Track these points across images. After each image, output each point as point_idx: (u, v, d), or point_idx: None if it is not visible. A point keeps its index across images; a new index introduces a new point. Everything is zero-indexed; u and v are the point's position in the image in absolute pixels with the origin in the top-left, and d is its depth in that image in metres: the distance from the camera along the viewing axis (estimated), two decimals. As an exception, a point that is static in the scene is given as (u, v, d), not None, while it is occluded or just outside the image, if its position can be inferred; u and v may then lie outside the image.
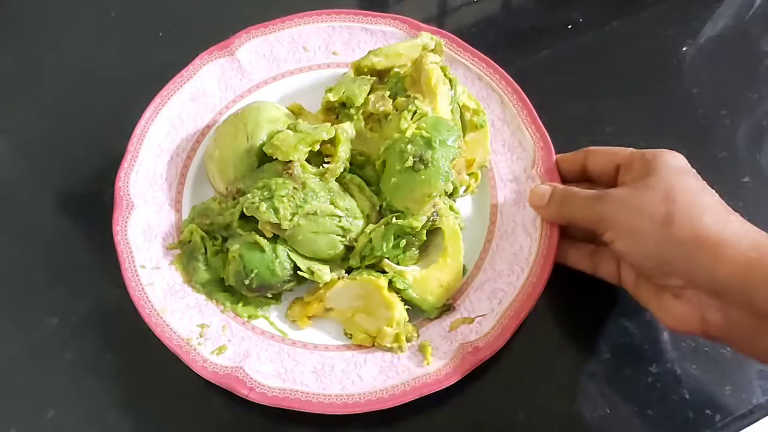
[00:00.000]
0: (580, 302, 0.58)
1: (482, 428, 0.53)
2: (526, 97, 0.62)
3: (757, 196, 0.64)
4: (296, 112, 0.62)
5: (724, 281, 0.44)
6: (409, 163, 0.53)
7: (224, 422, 0.53)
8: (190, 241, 0.57)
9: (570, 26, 0.75)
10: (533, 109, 0.61)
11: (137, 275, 0.55)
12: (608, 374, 0.55)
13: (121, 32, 0.74)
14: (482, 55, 0.64)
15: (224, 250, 0.57)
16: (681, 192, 0.47)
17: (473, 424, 0.53)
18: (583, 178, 0.57)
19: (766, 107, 0.69)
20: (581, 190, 0.53)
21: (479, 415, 0.54)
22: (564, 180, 0.58)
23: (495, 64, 0.64)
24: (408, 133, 0.54)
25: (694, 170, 0.50)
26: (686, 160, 0.51)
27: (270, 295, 0.56)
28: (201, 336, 0.54)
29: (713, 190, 0.49)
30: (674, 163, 0.50)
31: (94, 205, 0.62)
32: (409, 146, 0.54)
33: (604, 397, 0.55)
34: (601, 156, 0.55)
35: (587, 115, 0.68)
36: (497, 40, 0.74)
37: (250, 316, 0.56)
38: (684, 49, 0.73)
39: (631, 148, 0.54)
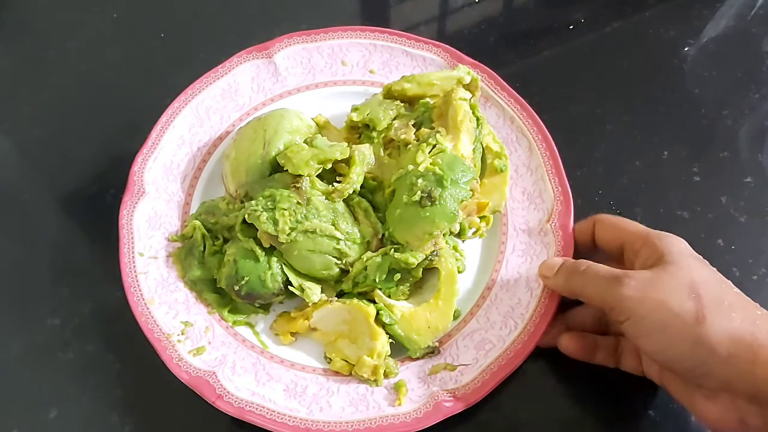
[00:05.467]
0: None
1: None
2: (555, 147, 0.60)
3: (759, 196, 0.64)
4: (320, 125, 0.62)
5: (763, 385, 0.42)
6: (416, 197, 0.52)
7: (226, 423, 0.53)
8: (192, 236, 0.58)
9: (571, 27, 0.75)
10: (560, 162, 0.60)
11: (133, 261, 0.56)
12: (610, 374, 0.53)
13: (124, 33, 0.75)
14: (518, 96, 0.63)
15: (222, 251, 0.57)
16: (704, 285, 0.45)
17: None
18: (594, 247, 0.56)
19: (767, 107, 0.69)
20: (595, 264, 0.50)
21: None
22: (577, 247, 0.57)
23: (530, 108, 0.62)
24: (421, 167, 0.53)
25: (700, 256, 0.49)
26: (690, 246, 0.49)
27: (258, 305, 0.56)
28: (182, 334, 0.54)
29: (728, 279, 0.47)
30: (684, 249, 0.48)
31: (96, 206, 0.63)
32: (419, 180, 0.52)
33: (606, 398, 0.54)
34: (607, 230, 0.54)
35: (588, 115, 0.69)
36: (498, 41, 0.74)
37: (235, 322, 0.56)
38: (685, 49, 0.73)
39: (635, 225, 0.52)
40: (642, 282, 0.46)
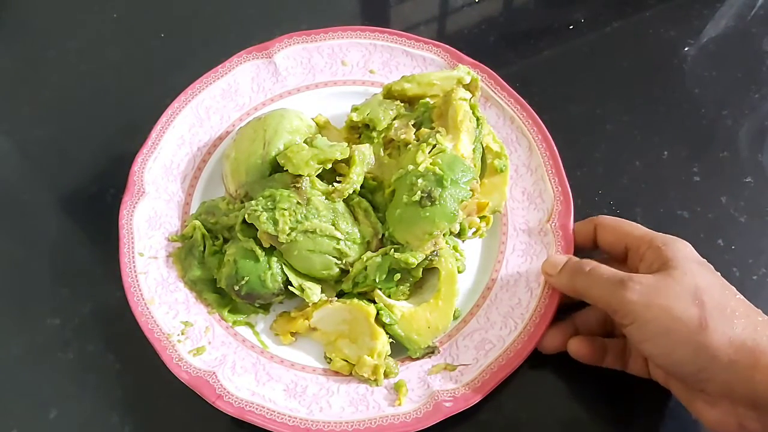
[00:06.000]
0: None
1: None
2: (555, 148, 0.60)
3: (759, 196, 0.64)
4: (320, 125, 0.62)
5: (763, 392, 0.42)
6: (416, 197, 0.52)
7: (226, 423, 0.53)
8: (192, 236, 0.58)
9: (571, 26, 0.75)
10: (560, 162, 0.60)
11: (133, 261, 0.56)
12: (611, 374, 0.53)
13: (124, 33, 0.74)
14: (518, 96, 0.63)
15: (222, 251, 0.57)
16: (707, 292, 0.45)
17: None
18: (594, 248, 0.56)
19: (767, 107, 0.69)
20: (600, 265, 0.50)
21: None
22: (576, 248, 0.57)
23: (530, 108, 0.62)
24: (421, 167, 0.53)
25: (705, 260, 0.49)
26: (695, 250, 0.49)
27: (258, 305, 0.56)
28: (182, 334, 0.54)
29: (731, 285, 0.47)
30: (689, 254, 0.48)
31: (96, 206, 0.63)
32: (419, 180, 0.52)
33: (606, 398, 0.54)
34: (609, 233, 0.54)
35: (588, 115, 0.69)
36: (498, 41, 0.74)
37: (235, 322, 0.56)
38: (685, 49, 0.73)
39: (639, 228, 0.52)
40: (647, 287, 0.46)
